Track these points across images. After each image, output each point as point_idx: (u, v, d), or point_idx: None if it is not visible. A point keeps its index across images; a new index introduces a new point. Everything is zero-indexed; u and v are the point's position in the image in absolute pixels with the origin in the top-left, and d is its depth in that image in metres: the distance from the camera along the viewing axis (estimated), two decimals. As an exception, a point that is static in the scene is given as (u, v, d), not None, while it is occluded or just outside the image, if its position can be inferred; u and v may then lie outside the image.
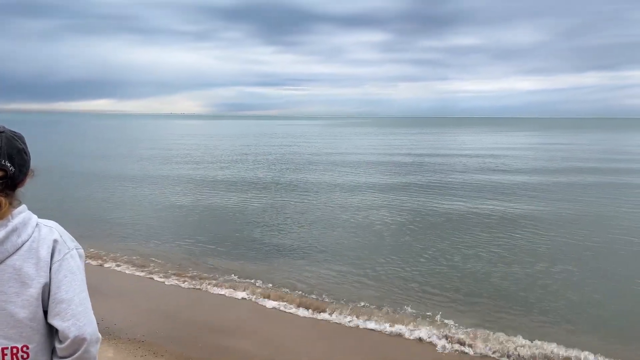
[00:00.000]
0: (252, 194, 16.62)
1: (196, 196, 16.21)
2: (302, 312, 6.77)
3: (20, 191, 1.53)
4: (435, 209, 14.21)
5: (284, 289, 7.64)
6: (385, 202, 15.25)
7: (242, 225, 12.13)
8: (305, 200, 15.47)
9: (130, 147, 39.18)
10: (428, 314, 6.71)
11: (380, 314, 6.66)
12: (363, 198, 15.99)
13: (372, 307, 6.95)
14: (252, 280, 7.96)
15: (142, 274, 8.46)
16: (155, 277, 8.27)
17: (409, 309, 6.88)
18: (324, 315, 6.65)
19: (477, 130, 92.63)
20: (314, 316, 6.67)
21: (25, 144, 1.53)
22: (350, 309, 6.78)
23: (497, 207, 14.24)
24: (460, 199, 15.77)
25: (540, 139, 59.80)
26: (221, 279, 8.11)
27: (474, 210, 13.96)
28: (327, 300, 7.23)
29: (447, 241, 10.60)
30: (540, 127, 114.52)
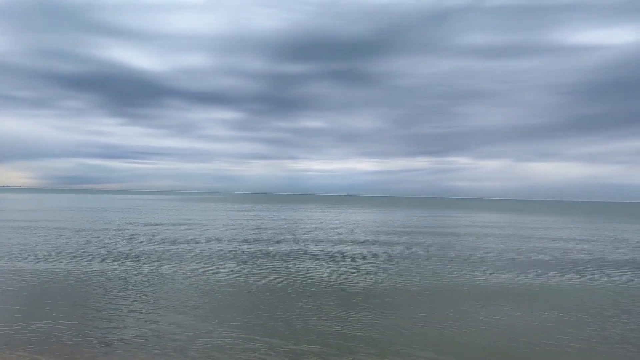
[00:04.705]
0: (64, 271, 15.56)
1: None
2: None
3: None
4: (276, 275, 14.90)
5: None
6: (225, 270, 15.50)
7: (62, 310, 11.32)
8: (139, 272, 15.00)
9: None
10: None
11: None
12: (194, 267, 16.03)
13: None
14: None
15: None
16: None
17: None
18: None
19: (321, 206, 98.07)
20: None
21: None
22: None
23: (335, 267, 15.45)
24: (304, 265, 16.74)
25: (376, 215, 65.54)
26: None
27: (317, 275, 14.97)
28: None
29: (283, 305, 11.27)
30: (378, 205, 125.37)
